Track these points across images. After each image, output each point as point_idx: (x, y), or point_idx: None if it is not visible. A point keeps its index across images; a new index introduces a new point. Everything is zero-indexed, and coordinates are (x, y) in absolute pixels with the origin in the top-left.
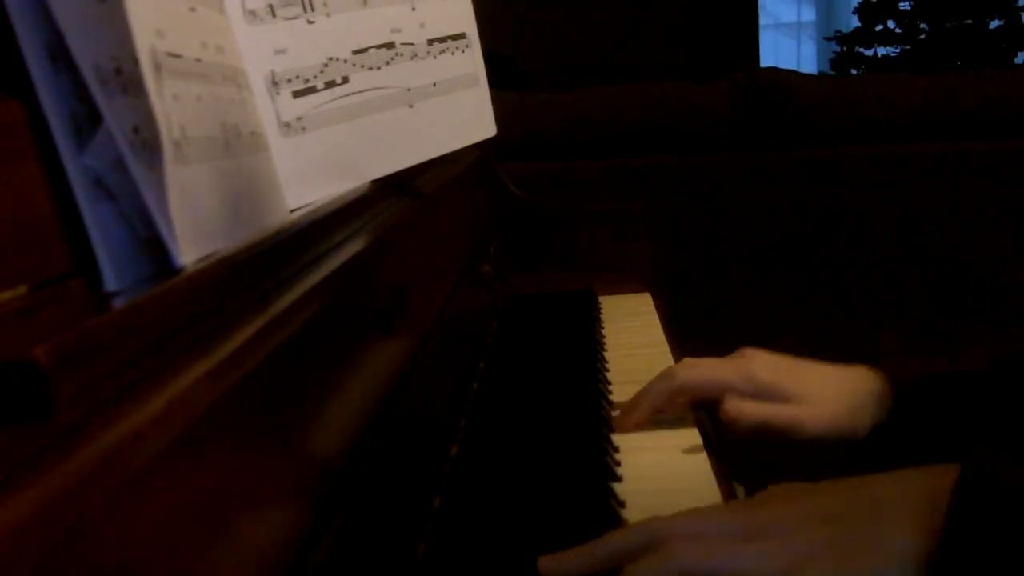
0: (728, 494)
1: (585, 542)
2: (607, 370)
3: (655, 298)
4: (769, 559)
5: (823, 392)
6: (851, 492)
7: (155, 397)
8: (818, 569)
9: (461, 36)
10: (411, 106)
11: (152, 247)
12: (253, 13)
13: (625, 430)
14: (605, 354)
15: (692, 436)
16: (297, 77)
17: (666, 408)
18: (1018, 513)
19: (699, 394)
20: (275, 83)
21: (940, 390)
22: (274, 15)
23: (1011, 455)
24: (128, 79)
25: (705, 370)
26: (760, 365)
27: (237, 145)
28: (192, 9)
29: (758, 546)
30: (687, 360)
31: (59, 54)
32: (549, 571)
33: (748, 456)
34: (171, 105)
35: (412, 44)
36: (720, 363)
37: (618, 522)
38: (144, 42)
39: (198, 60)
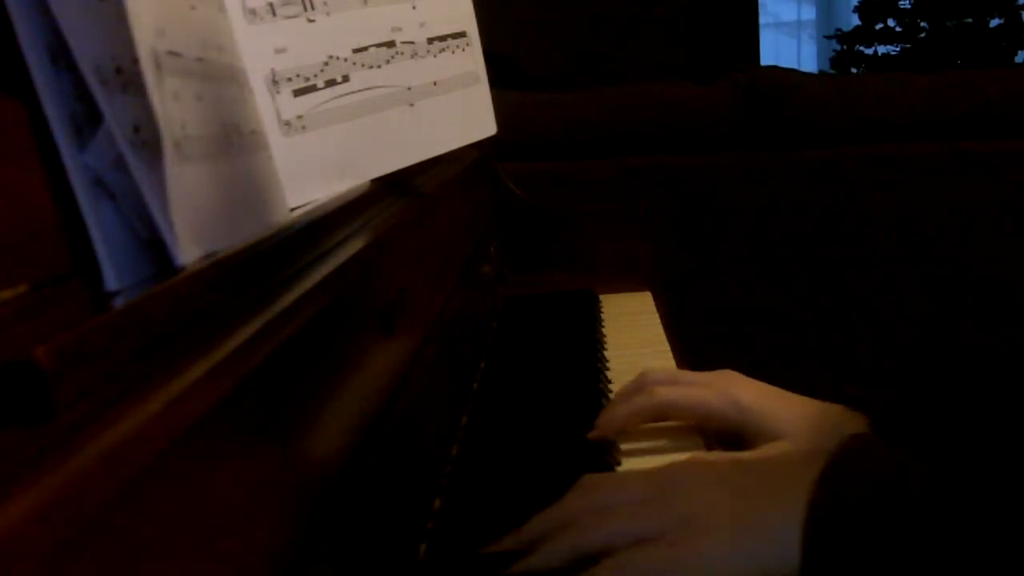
0: None
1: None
2: (608, 369)
3: (656, 297)
4: (664, 520)
5: (800, 429)
6: (749, 458)
7: (156, 397)
8: (715, 534)
9: (462, 35)
10: (411, 105)
11: (153, 247)
12: (253, 12)
13: (600, 436)
14: (606, 353)
15: (694, 438)
16: (297, 76)
17: (640, 425)
18: (864, 493)
19: (679, 417)
20: (275, 82)
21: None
22: (274, 14)
23: (883, 447)
24: (128, 78)
25: (688, 392)
26: (743, 389)
27: (238, 144)
28: (192, 8)
29: (654, 508)
30: (665, 373)
31: (59, 54)
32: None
33: None
34: (171, 104)
35: (412, 43)
36: (703, 385)
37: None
38: (144, 41)
39: (199, 59)
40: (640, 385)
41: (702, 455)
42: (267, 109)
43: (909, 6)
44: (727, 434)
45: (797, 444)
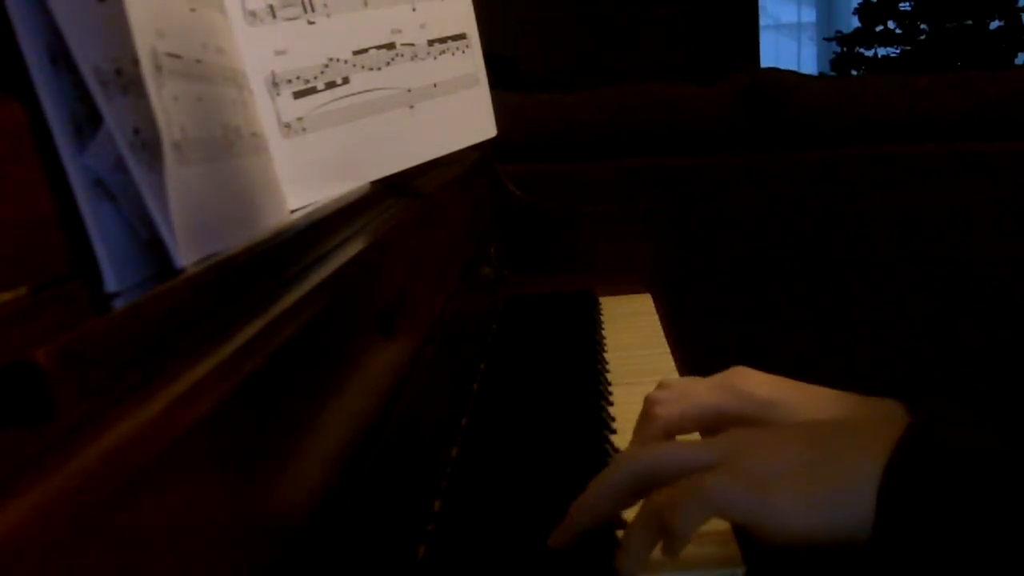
0: None
1: (585, 547)
2: (607, 371)
3: (655, 299)
4: (741, 476)
5: (827, 417)
6: (826, 425)
7: (155, 399)
8: (790, 488)
9: (461, 36)
10: (412, 107)
11: (152, 248)
12: (254, 14)
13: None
14: (605, 355)
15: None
16: (297, 78)
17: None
18: (946, 460)
19: (690, 429)
20: (275, 84)
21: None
22: (274, 16)
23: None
24: (128, 80)
25: (691, 402)
26: (757, 383)
27: (238, 146)
28: (193, 10)
29: (733, 461)
30: (668, 386)
31: (59, 55)
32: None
33: None
34: (171, 106)
35: (412, 45)
36: (709, 387)
37: (619, 523)
38: (144, 43)
39: (199, 61)
40: (645, 411)
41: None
42: (267, 111)
43: (909, 8)
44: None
45: None
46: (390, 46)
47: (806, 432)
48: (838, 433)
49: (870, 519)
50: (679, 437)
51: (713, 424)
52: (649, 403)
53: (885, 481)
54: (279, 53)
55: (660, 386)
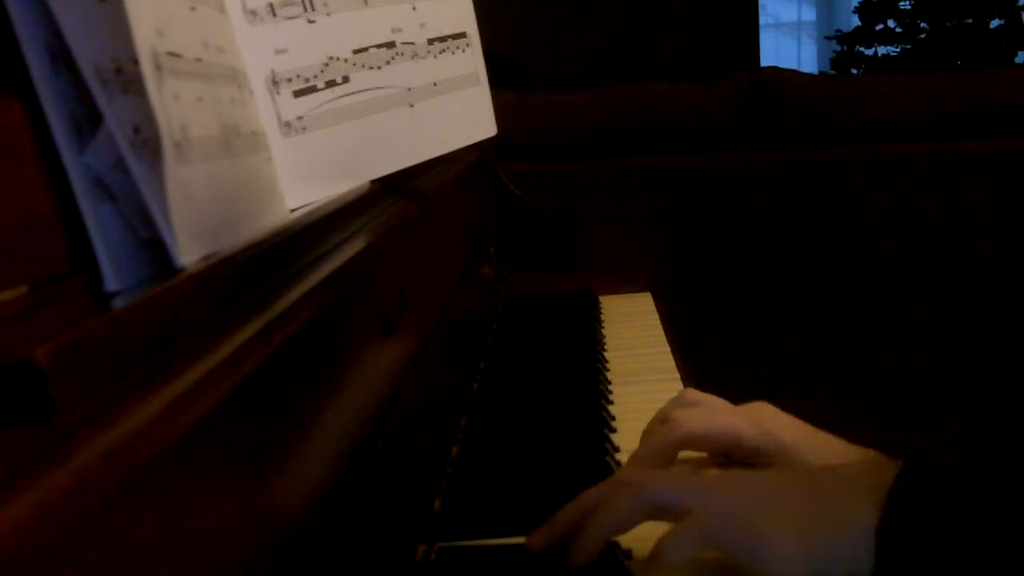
0: None
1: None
2: (607, 370)
3: (655, 298)
4: (738, 514)
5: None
6: (823, 473)
7: (156, 398)
8: (785, 534)
9: (462, 36)
10: (411, 106)
11: (152, 247)
12: (254, 13)
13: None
14: (605, 354)
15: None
16: (297, 77)
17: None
18: (942, 494)
19: (706, 448)
20: (275, 83)
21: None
22: (274, 15)
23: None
24: (129, 79)
25: (716, 419)
26: (782, 424)
27: (237, 145)
28: (193, 9)
29: (727, 498)
30: (690, 398)
31: (59, 54)
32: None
33: None
34: (172, 105)
35: (412, 44)
36: (734, 413)
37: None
38: (144, 42)
39: (199, 60)
40: (664, 419)
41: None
42: (267, 110)
43: (909, 7)
44: (757, 464)
45: None
46: (390, 45)
47: (804, 479)
48: (834, 480)
49: (867, 566)
50: (684, 454)
51: (728, 450)
52: (671, 411)
53: (883, 521)
54: (279, 52)
55: (683, 399)
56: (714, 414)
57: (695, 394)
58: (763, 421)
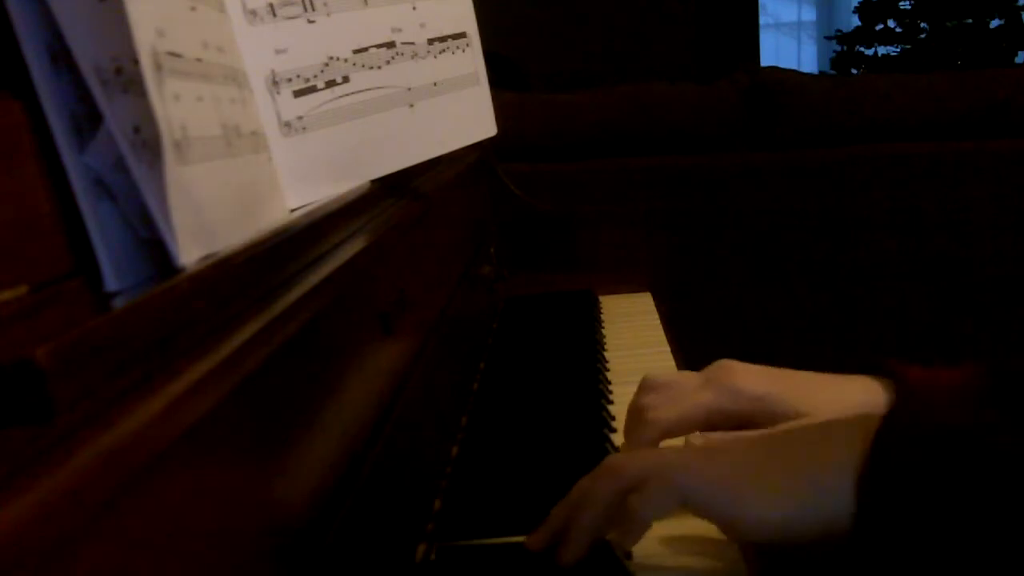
0: None
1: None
2: (607, 370)
3: (656, 298)
4: (712, 471)
5: (824, 407)
6: (797, 427)
7: (156, 398)
8: (761, 480)
9: (462, 35)
10: (411, 106)
11: (152, 247)
12: (254, 13)
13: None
14: (605, 354)
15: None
16: (297, 76)
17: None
18: (929, 442)
19: (687, 431)
20: (275, 83)
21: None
22: (275, 15)
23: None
24: (129, 79)
25: (683, 404)
26: (744, 377)
27: (238, 145)
28: (193, 8)
29: (701, 459)
30: (655, 388)
31: (59, 54)
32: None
33: None
34: (172, 105)
35: (412, 44)
36: (698, 386)
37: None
38: (145, 42)
39: (199, 60)
40: (637, 416)
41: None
42: (267, 110)
43: (909, 7)
44: (739, 428)
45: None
46: (390, 45)
47: (780, 436)
48: (812, 434)
49: (849, 510)
50: (668, 442)
51: (708, 424)
52: (640, 408)
53: (864, 471)
54: (279, 52)
55: (645, 388)
56: (682, 397)
57: (656, 379)
58: (732, 382)
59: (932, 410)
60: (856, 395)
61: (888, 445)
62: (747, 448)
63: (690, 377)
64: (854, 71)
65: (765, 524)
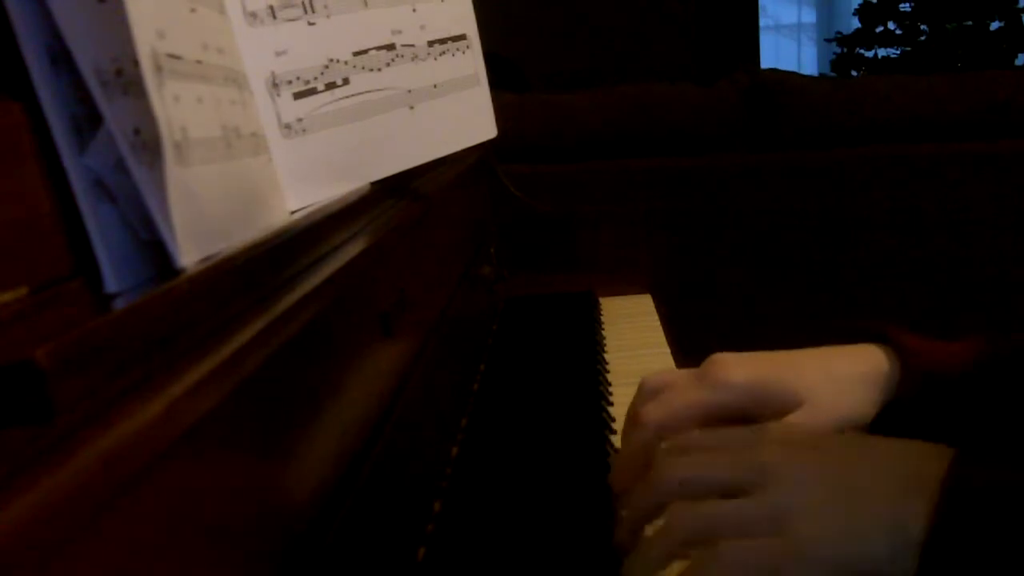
0: None
1: (586, 544)
2: (607, 372)
3: (656, 299)
4: (764, 511)
5: (825, 385)
6: (853, 454)
7: (156, 399)
8: (814, 527)
9: (462, 37)
10: (412, 107)
11: (153, 248)
12: (254, 15)
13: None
14: (605, 356)
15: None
16: (298, 79)
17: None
18: (998, 512)
19: (683, 431)
20: (276, 84)
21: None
22: (275, 17)
23: (994, 456)
24: (129, 80)
25: (679, 401)
26: (736, 370)
27: (238, 146)
28: (193, 10)
29: (756, 499)
30: (650, 386)
31: (60, 55)
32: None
33: None
34: (172, 106)
35: (413, 45)
36: (690, 384)
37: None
38: (145, 43)
39: (199, 61)
40: (634, 419)
41: (783, 427)
42: (267, 111)
43: (909, 9)
44: (736, 421)
45: (819, 405)
46: (390, 47)
47: (834, 460)
48: (870, 465)
49: (912, 564)
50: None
51: (703, 422)
52: (637, 408)
53: (930, 536)
54: (279, 54)
55: (644, 389)
56: (673, 399)
57: (653, 380)
58: (724, 376)
59: (993, 469)
60: (852, 367)
61: (952, 519)
62: (808, 475)
63: (681, 377)
64: (854, 73)
65: (819, 568)
